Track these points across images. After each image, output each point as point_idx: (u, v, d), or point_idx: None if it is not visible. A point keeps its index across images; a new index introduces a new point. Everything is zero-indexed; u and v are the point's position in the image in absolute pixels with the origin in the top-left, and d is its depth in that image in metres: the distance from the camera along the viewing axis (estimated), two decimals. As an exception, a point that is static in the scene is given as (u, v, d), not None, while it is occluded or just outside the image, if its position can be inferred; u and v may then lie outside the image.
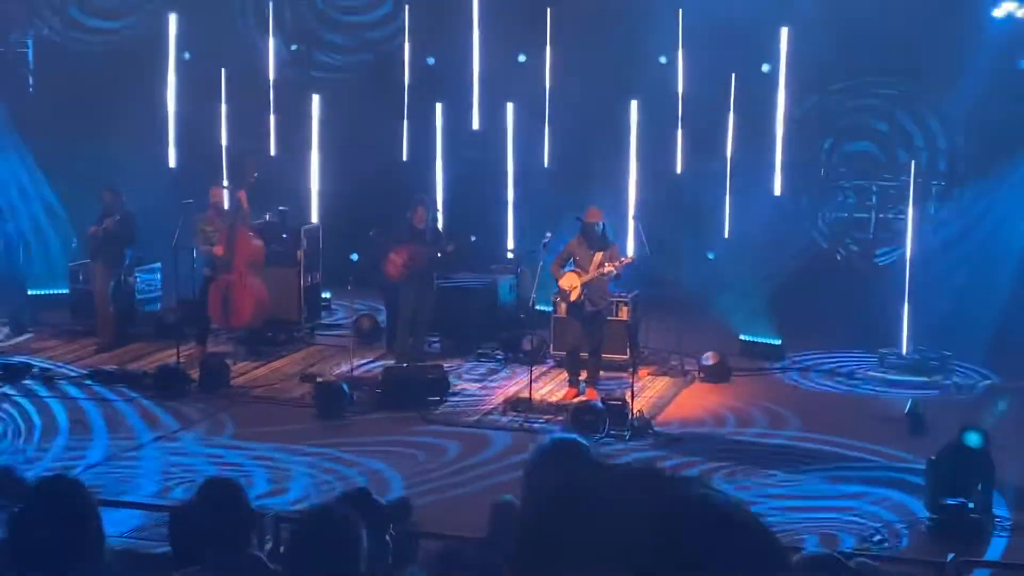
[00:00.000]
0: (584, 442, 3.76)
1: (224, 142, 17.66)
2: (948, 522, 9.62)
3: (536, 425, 12.16)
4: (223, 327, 14.63)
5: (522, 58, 17.16)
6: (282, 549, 5.34)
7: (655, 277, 14.45)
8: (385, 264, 14.09)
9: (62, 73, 17.35)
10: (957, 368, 14.12)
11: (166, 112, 17.69)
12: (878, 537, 9.35)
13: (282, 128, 17.95)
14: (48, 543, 3.54)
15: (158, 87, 17.59)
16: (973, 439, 9.78)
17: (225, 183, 15.58)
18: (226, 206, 14.43)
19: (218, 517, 4.45)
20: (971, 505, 9.69)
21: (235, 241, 14.20)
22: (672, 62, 16.55)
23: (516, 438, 11.88)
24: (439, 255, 14.15)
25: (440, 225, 15.46)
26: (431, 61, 17.60)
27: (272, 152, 17.90)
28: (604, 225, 12.92)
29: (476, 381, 13.85)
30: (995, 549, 9.44)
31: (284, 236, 15.67)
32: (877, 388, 13.74)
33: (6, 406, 12.56)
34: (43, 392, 13.05)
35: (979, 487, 9.75)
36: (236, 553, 4.39)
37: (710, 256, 16.41)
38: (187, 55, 17.69)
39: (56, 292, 16.18)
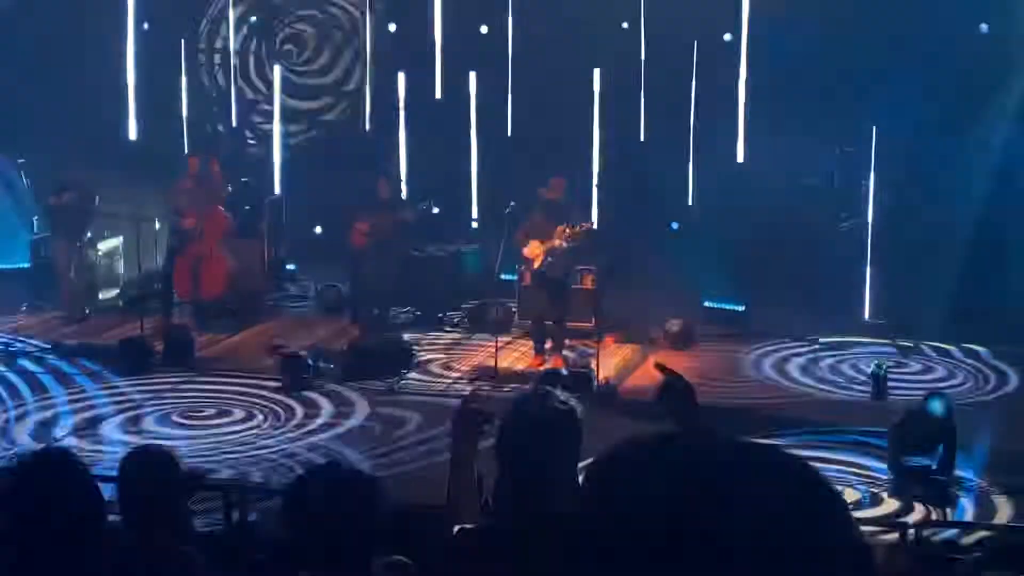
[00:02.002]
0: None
1: (185, 113, 17.53)
2: (910, 484, 9.73)
3: (502, 394, 12.20)
4: (190, 300, 14.53)
5: (484, 29, 17.07)
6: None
7: (619, 244, 14.49)
8: (350, 234, 14.08)
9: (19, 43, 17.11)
10: (920, 333, 14.23)
11: (126, 83, 17.51)
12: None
13: (244, 99, 17.85)
14: (46, 521, 3.49)
15: (117, 57, 17.41)
16: (936, 406, 9.86)
17: (194, 154, 15.48)
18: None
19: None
20: (933, 467, 9.80)
21: (208, 214, 14.14)
22: (635, 29, 16.52)
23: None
24: (402, 225, 14.14)
25: (403, 195, 15.43)
26: (392, 28, 17.46)
27: (234, 124, 17.80)
28: (567, 196, 12.95)
29: (441, 351, 13.86)
30: (957, 510, 9.55)
31: (247, 208, 15.61)
32: (840, 352, 13.87)
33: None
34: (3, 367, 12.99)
35: (941, 449, 9.85)
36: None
37: (674, 227, 16.42)
38: (146, 25, 17.50)
39: (17, 267, 16.05)
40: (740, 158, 16.27)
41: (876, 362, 12.75)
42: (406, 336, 13.80)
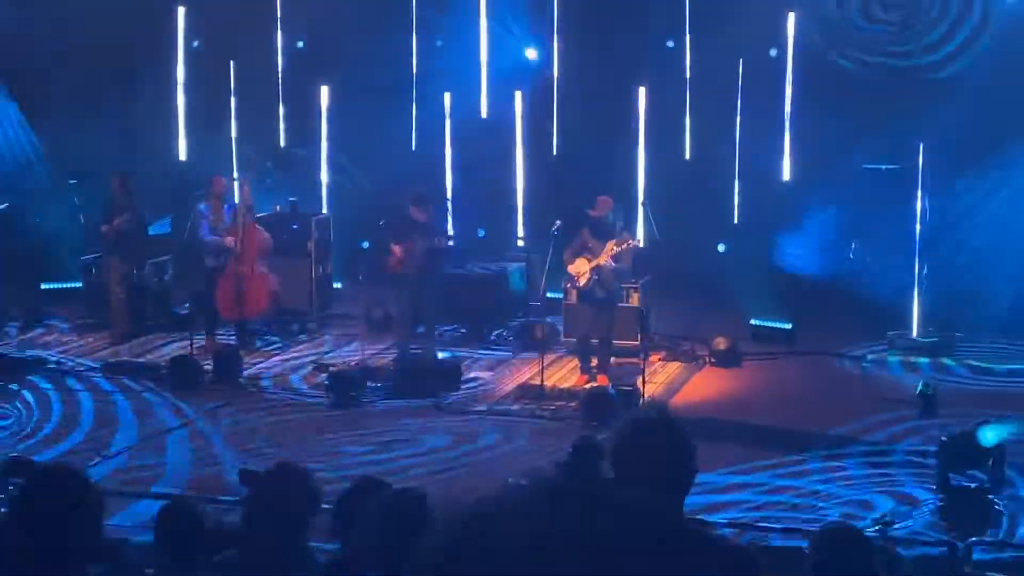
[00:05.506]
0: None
1: (234, 134, 17.68)
2: (959, 503, 9.66)
3: (547, 412, 12.23)
4: (237, 319, 14.62)
5: (532, 54, 17.10)
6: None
7: (665, 262, 14.48)
8: (385, 257, 14.09)
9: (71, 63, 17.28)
10: (969, 349, 14.14)
11: (175, 104, 17.68)
12: (888, 517, 9.37)
13: (292, 119, 17.98)
14: (46, 528, 3.61)
15: (167, 79, 17.57)
16: (987, 438, 9.79)
17: (235, 175, 15.65)
18: (236, 199, 14.49)
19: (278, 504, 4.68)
20: (982, 486, 9.73)
21: (246, 233, 14.25)
22: (679, 47, 16.55)
23: (527, 426, 11.94)
24: (434, 250, 14.14)
25: (450, 215, 15.47)
26: (439, 43, 17.50)
27: (282, 143, 17.93)
28: (614, 215, 12.97)
29: (488, 369, 13.90)
30: (1007, 529, 9.48)
31: (295, 227, 15.73)
32: (889, 371, 13.80)
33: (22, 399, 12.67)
34: (57, 385, 13.13)
35: (991, 467, 9.78)
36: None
37: (720, 249, 16.39)
38: (195, 44, 17.65)
39: (70, 286, 16.23)
40: (786, 176, 16.24)
41: (924, 380, 12.67)
42: (453, 354, 13.83)
